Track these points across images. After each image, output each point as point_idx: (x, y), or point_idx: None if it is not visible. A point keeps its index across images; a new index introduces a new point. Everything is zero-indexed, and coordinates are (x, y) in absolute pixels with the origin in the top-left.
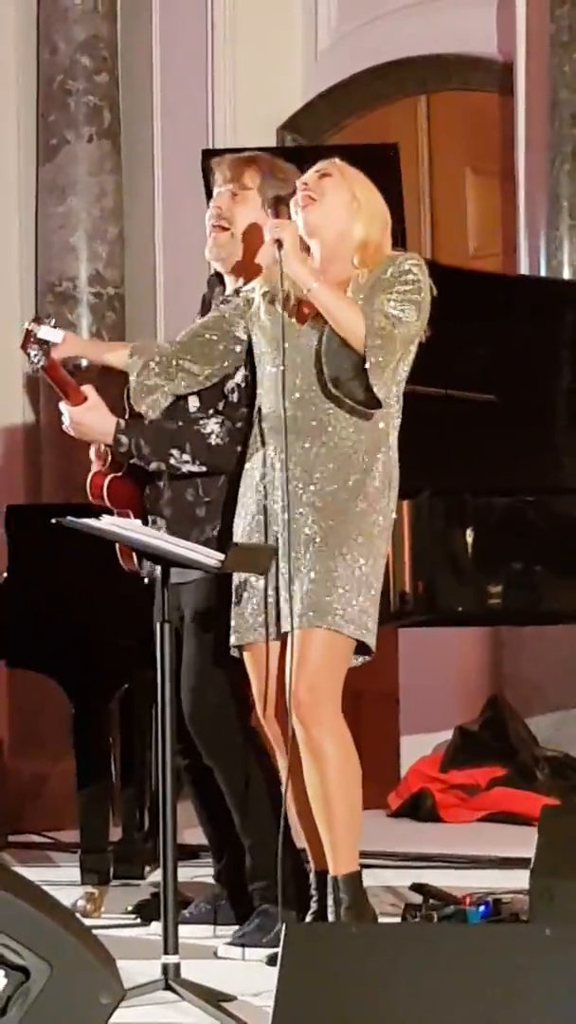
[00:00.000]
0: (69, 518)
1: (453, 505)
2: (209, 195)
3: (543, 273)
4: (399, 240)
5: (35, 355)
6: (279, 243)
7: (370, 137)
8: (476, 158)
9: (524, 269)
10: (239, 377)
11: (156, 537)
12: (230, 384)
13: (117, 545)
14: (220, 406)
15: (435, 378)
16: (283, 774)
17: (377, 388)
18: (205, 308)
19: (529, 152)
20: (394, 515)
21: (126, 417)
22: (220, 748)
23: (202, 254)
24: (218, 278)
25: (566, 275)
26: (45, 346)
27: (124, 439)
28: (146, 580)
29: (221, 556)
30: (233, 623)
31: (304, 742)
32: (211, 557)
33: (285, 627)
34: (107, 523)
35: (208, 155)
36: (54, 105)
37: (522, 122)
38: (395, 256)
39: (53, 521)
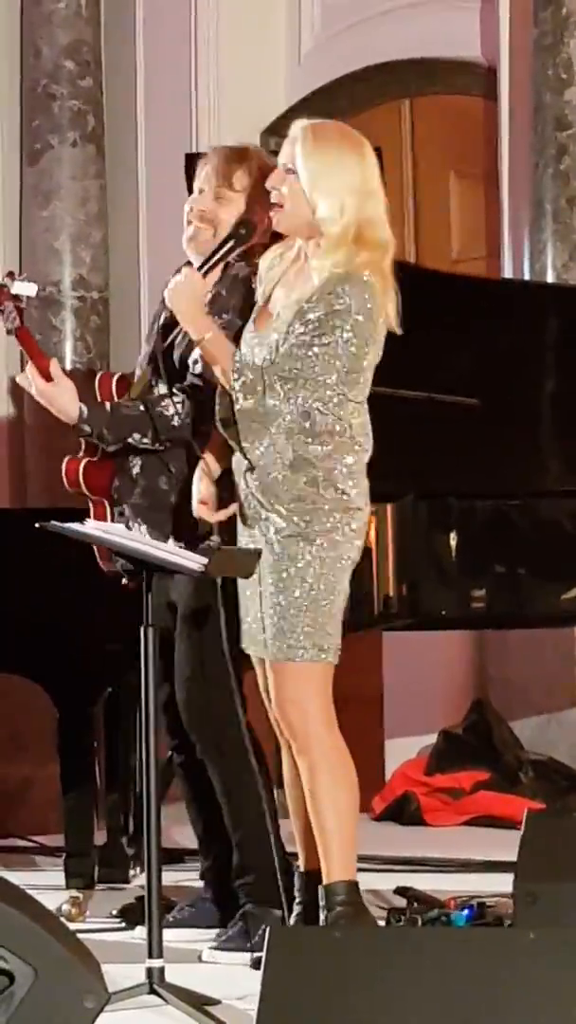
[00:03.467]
0: (53, 522)
1: (437, 508)
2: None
3: (527, 277)
4: None
5: (8, 313)
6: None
7: None
8: (460, 162)
9: (508, 273)
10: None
11: (140, 541)
12: (194, 355)
13: (96, 547)
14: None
15: (418, 382)
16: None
17: (245, 446)
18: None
19: (513, 156)
20: (363, 524)
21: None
22: (213, 742)
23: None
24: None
25: (550, 279)
26: (19, 303)
27: (87, 428)
28: (124, 581)
29: (205, 560)
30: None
31: (296, 754)
32: (195, 562)
33: (259, 651)
34: (91, 527)
35: (191, 159)
36: (38, 109)
37: (506, 126)
38: (346, 280)
39: (37, 525)
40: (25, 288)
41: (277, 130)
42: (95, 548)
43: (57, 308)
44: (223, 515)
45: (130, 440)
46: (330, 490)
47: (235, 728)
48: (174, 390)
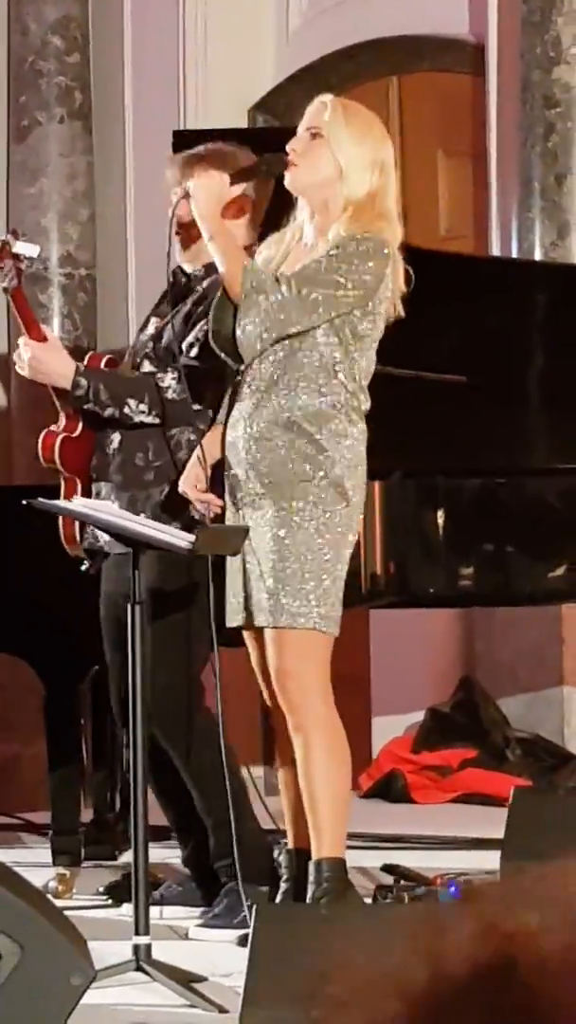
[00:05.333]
0: (41, 500)
1: (425, 486)
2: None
3: (515, 254)
4: None
5: (7, 272)
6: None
7: None
8: (448, 139)
9: (496, 250)
10: (198, 331)
11: (128, 519)
12: (190, 338)
13: (61, 529)
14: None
15: (406, 359)
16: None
17: (242, 342)
18: (171, 298)
19: (501, 133)
20: (362, 498)
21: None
22: (172, 729)
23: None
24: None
25: (538, 257)
26: (19, 263)
27: (83, 382)
28: (84, 566)
29: (192, 538)
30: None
31: (292, 729)
32: (183, 539)
33: (258, 621)
34: (79, 505)
35: (179, 136)
36: (25, 86)
37: (494, 103)
38: (370, 233)
39: (24, 503)
40: (27, 249)
41: (265, 107)
42: (60, 530)
43: (44, 285)
44: (210, 498)
45: (125, 408)
46: (332, 460)
47: (197, 713)
48: (169, 368)
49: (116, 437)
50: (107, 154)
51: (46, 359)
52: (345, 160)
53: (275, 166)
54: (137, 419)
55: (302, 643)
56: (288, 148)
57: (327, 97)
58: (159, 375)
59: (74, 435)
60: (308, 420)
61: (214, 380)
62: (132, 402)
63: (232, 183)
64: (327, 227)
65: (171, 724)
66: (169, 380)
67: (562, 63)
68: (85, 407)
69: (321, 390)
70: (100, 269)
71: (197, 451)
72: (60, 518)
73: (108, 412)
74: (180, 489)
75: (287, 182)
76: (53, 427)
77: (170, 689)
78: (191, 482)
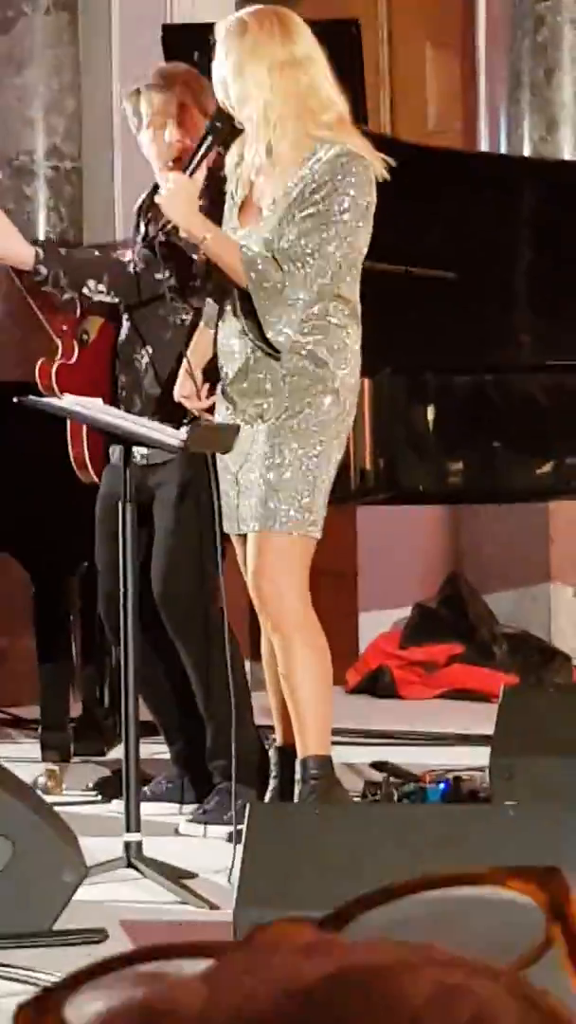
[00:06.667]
0: (31, 397)
1: (414, 383)
2: None
3: (503, 149)
4: (360, 117)
5: None
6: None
7: (329, 9)
8: (436, 32)
9: (484, 145)
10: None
11: (119, 417)
12: (161, 222)
13: (72, 457)
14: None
15: (395, 255)
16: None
17: (270, 335)
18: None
19: (490, 27)
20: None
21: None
22: (189, 628)
23: None
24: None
25: (526, 151)
26: None
27: (43, 269)
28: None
29: (184, 435)
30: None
31: (270, 629)
32: (174, 437)
33: (248, 527)
34: (69, 402)
35: (169, 31)
36: None
37: None
38: (331, 148)
39: (15, 400)
40: None
41: None
42: (72, 460)
43: (30, 178)
44: (205, 404)
45: (84, 289)
46: (326, 370)
47: (211, 614)
48: (139, 245)
49: (146, 351)
50: (93, 45)
51: (2, 246)
52: (233, 85)
53: (222, 122)
54: (96, 299)
55: (284, 546)
56: (216, 95)
57: (219, 26)
58: (120, 251)
59: (71, 361)
60: (304, 333)
61: (177, 256)
62: (91, 282)
63: (192, 174)
64: (282, 143)
65: (187, 623)
66: (130, 255)
67: None
68: (43, 289)
69: (319, 306)
70: (86, 161)
71: (184, 362)
72: (70, 442)
73: (67, 296)
74: (176, 398)
75: (238, 124)
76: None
77: (191, 589)
78: (185, 392)
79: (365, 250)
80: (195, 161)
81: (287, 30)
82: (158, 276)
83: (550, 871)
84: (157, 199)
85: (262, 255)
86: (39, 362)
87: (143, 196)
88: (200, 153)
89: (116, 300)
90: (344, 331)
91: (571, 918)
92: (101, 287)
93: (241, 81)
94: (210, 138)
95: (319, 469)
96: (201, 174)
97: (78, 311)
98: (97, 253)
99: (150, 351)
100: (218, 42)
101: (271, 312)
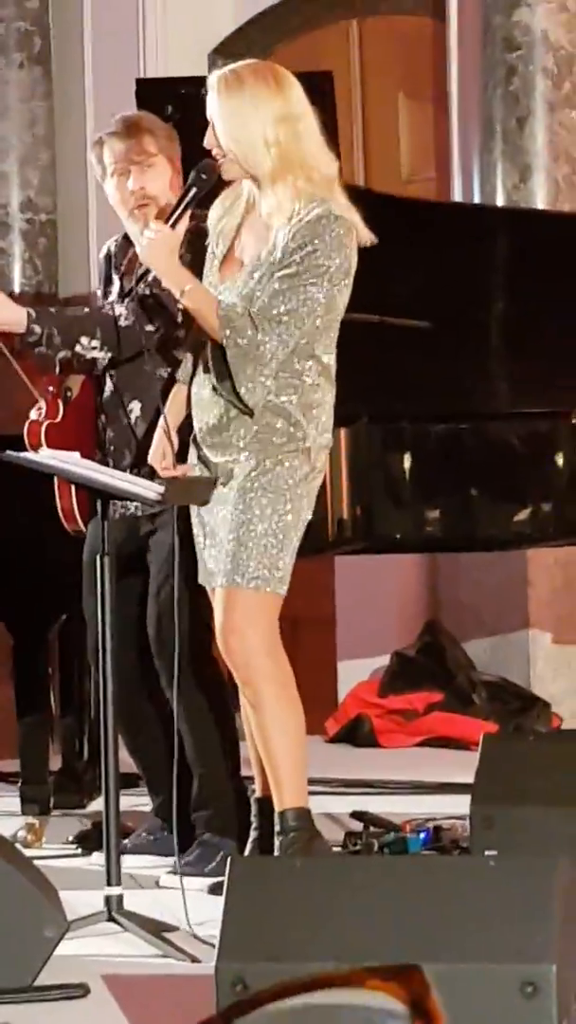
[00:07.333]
0: (8, 452)
1: (390, 432)
2: None
3: (477, 198)
4: None
5: None
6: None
7: (302, 62)
8: (409, 83)
9: (458, 194)
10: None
11: (94, 470)
12: (140, 271)
13: (60, 507)
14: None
15: (369, 305)
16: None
17: (243, 391)
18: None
19: (462, 77)
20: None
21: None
22: (184, 675)
23: None
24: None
25: (499, 201)
26: None
27: (37, 329)
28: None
29: (161, 488)
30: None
31: (240, 684)
32: (151, 490)
33: (217, 582)
34: (45, 456)
35: (143, 84)
36: None
37: (455, 47)
38: (315, 207)
39: None
40: None
41: (225, 51)
42: (60, 510)
43: (5, 231)
44: (178, 473)
45: (77, 347)
46: (299, 429)
47: (204, 663)
48: (122, 297)
49: (136, 406)
50: (67, 99)
51: None
52: (228, 137)
53: (207, 175)
54: (89, 356)
55: (252, 602)
56: (207, 146)
57: (213, 76)
58: (107, 306)
59: (56, 420)
60: (278, 391)
61: (165, 309)
62: (84, 339)
63: (175, 225)
64: (268, 198)
65: (181, 670)
66: (120, 308)
67: (523, 6)
68: (37, 351)
69: (295, 365)
70: (61, 214)
71: (161, 422)
72: (57, 493)
73: (62, 355)
74: (149, 461)
75: (223, 176)
76: (34, 414)
77: (186, 636)
78: (158, 457)
79: (343, 311)
80: (178, 212)
81: (281, 84)
82: (148, 328)
83: (408, 970)
84: (138, 249)
85: (238, 312)
86: (27, 423)
87: (109, 244)
88: (183, 204)
89: (109, 355)
90: (318, 390)
91: (431, 1015)
92: (94, 343)
93: (244, 133)
94: (194, 190)
95: (288, 527)
96: (183, 226)
97: (64, 369)
98: (86, 309)
99: (140, 405)
100: (211, 94)
101: (244, 369)
